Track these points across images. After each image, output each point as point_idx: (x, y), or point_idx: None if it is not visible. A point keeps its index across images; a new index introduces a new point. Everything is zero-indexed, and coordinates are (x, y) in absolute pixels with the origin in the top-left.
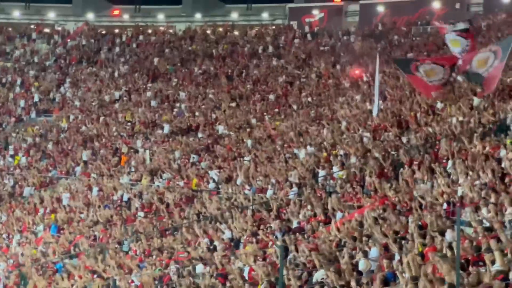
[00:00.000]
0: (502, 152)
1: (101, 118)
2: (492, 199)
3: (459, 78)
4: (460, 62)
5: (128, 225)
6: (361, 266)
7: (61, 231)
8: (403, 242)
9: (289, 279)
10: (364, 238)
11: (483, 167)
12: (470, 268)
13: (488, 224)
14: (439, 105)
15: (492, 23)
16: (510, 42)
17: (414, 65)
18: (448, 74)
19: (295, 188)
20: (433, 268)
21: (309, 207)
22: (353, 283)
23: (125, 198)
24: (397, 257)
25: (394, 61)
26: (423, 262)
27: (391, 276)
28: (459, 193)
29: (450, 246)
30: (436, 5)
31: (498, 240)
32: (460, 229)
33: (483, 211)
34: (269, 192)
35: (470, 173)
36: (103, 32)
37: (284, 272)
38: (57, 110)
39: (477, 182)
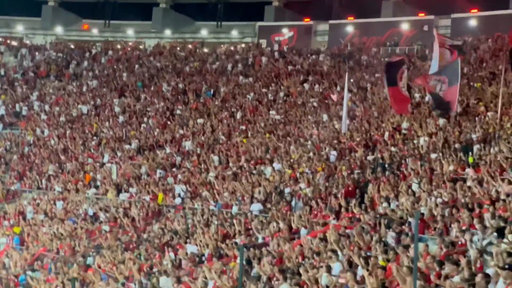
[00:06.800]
0: (468, 171)
1: (68, 132)
2: (456, 217)
3: (427, 98)
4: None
5: (93, 238)
6: (324, 281)
7: (24, 244)
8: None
9: None
10: (327, 254)
11: (448, 186)
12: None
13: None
14: (405, 124)
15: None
16: (455, 67)
17: (401, 70)
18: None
19: (260, 205)
20: (395, 282)
21: (274, 223)
22: None
23: (90, 212)
24: (360, 272)
25: (386, 65)
26: (386, 277)
27: None
28: (423, 211)
29: (413, 261)
30: (405, 26)
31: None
32: (425, 245)
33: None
34: (235, 208)
35: (435, 192)
36: (72, 46)
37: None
38: (23, 123)
39: (440, 200)
